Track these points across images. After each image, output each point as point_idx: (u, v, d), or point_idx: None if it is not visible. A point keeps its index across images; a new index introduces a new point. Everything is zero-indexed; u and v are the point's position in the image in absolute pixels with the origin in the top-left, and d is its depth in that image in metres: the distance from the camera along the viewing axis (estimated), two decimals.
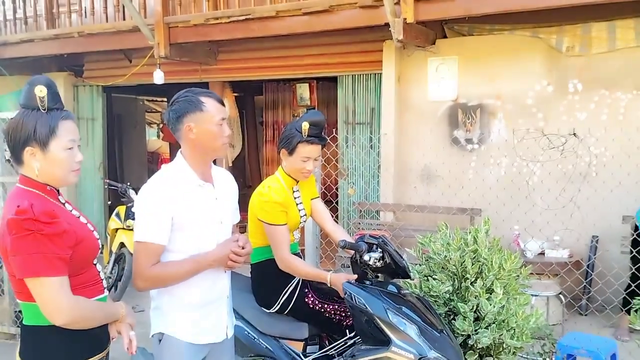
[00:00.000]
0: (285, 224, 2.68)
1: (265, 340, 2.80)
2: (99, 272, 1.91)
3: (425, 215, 5.40)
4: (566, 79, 5.22)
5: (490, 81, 5.52)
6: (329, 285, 2.64)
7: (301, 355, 2.80)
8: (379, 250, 2.59)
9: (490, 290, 2.77)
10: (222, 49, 6.99)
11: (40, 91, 1.73)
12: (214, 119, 2.10)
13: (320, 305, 2.77)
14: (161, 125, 12.58)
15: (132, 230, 5.41)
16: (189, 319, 2.12)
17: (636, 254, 4.17)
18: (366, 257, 2.57)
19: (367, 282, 2.59)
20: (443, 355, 2.36)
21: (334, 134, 5.13)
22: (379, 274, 2.65)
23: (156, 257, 2.04)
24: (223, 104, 2.19)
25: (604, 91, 5.08)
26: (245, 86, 9.00)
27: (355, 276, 2.60)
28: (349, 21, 5.37)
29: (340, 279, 2.59)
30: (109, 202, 8.09)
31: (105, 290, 1.93)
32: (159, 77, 6.48)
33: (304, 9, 5.45)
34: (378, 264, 2.58)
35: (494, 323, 2.71)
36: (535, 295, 4.17)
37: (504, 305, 2.73)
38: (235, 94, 8.35)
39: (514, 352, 2.80)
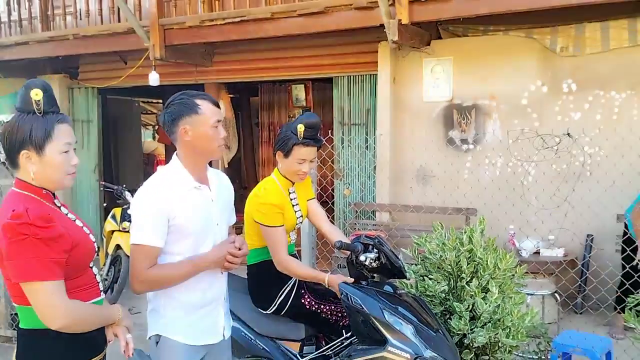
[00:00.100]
0: (282, 226, 2.69)
1: (262, 341, 2.81)
2: (95, 275, 1.90)
3: (420, 216, 5.42)
4: (560, 79, 5.25)
5: (484, 82, 5.55)
6: (326, 286, 2.65)
7: (298, 355, 2.81)
8: (375, 250, 2.60)
9: (485, 290, 2.79)
10: (217, 51, 7.00)
11: (36, 94, 1.73)
12: (210, 122, 2.10)
13: (316, 306, 2.78)
14: (157, 127, 12.56)
15: (128, 232, 5.42)
16: (186, 321, 2.12)
17: (630, 253, 4.20)
18: (362, 258, 2.58)
19: (363, 283, 2.60)
20: (439, 355, 2.38)
21: (330, 135, 5.14)
22: (375, 274, 2.66)
23: (153, 260, 2.05)
24: (218, 106, 2.19)
25: (598, 91, 5.11)
26: (240, 87, 9.01)
27: (353, 280, 2.61)
28: (344, 22, 5.38)
29: (337, 280, 2.60)
30: (105, 204, 8.08)
31: (102, 293, 1.93)
32: (154, 79, 6.47)
33: (299, 10, 5.46)
34: (374, 265, 2.59)
35: (489, 322, 2.73)
36: (531, 294, 4.19)
37: (499, 304, 2.75)
38: (231, 95, 8.35)
39: (509, 351, 2.82)
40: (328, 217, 3.06)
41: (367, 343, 2.47)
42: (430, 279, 2.91)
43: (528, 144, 5.36)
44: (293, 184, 2.84)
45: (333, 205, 6.32)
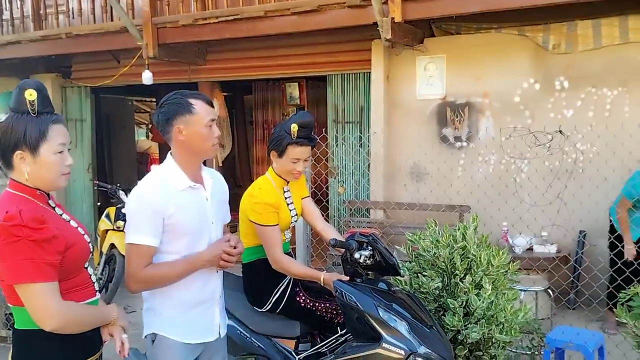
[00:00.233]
0: (277, 225, 2.69)
1: (257, 338, 2.82)
2: (90, 275, 1.90)
3: (414, 213, 5.44)
4: (553, 76, 5.28)
5: (477, 79, 5.57)
6: (322, 284, 2.66)
7: (293, 353, 2.82)
8: (369, 248, 2.62)
9: (479, 286, 2.81)
10: (211, 49, 6.99)
11: (30, 95, 1.72)
12: (204, 121, 2.11)
13: (311, 304, 2.79)
14: (150, 126, 12.52)
15: (122, 231, 5.41)
16: (182, 319, 2.13)
17: (621, 248, 4.24)
18: (357, 255, 2.59)
19: (358, 280, 2.62)
20: (433, 351, 2.39)
21: (324, 133, 5.15)
22: (370, 272, 2.68)
23: (148, 259, 2.05)
24: (212, 105, 2.20)
25: (590, 88, 5.14)
26: (234, 85, 8.99)
27: (348, 278, 2.62)
28: (338, 21, 5.39)
29: (332, 278, 2.62)
30: (99, 204, 8.07)
31: (97, 293, 1.93)
32: (147, 78, 6.46)
33: (292, 9, 5.46)
34: (368, 262, 2.60)
35: (483, 318, 2.75)
36: (524, 290, 4.22)
37: (492, 301, 2.77)
38: (225, 94, 8.34)
39: (503, 347, 2.84)
40: (322, 215, 3.07)
41: (361, 340, 2.48)
42: (424, 275, 2.92)
43: (521, 142, 5.39)
44: (288, 182, 2.84)
45: (327, 203, 6.33)
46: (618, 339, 3.84)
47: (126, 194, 5.61)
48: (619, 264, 4.03)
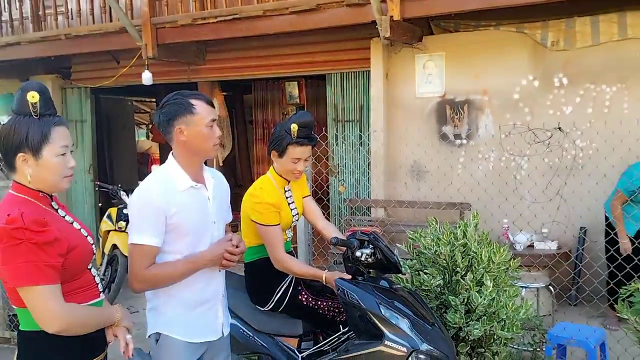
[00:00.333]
0: (278, 224, 2.71)
1: (260, 337, 2.83)
2: (94, 276, 1.90)
3: (415, 211, 5.45)
4: (551, 73, 5.29)
5: (476, 77, 5.58)
6: (324, 283, 2.67)
7: (296, 351, 2.83)
8: (371, 246, 2.62)
9: (480, 283, 2.82)
10: (210, 49, 6.99)
11: (33, 97, 1.72)
12: (204, 121, 2.12)
13: (313, 302, 2.81)
14: (150, 126, 12.53)
15: (124, 231, 5.43)
16: (186, 318, 2.15)
17: (615, 243, 4.26)
18: (358, 254, 2.60)
19: (360, 278, 2.62)
20: (435, 348, 2.40)
21: (324, 132, 5.16)
22: (371, 270, 2.69)
23: (151, 259, 2.07)
24: (213, 106, 2.21)
25: (589, 85, 5.15)
26: (234, 85, 9.00)
27: (350, 276, 2.63)
28: (336, 19, 5.39)
29: (334, 276, 2.62)
30: (100, 205, 8.08)
31: (101, 294, 1.93)
32: (147, 78, 6.47)
33: (291, 8, 5.46)
34: (370, 260, 2.61)
35: (484, 315, 2.76)
36: (525, 287, 4.23)
37: (494, 298, 2.78)
38: (224, 93, 8.34)
39: (505, 343, 2.85)
40: (323, 214, 3.08)
41: (364, 338, 2.49)
42: (425, 273, 2.93)
43: (520, 139, 5.40)
44: (289, 182, 2.85)
45: (328, 202, 6.34)
46: (619, 334, 3.85)
47: (127, 195, 5.62)
48: (620, 260, 4.04)
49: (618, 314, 3.05)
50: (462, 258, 2.88)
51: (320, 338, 2.88)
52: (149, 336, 2.18)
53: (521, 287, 3.86)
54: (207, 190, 2.21)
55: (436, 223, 3.14)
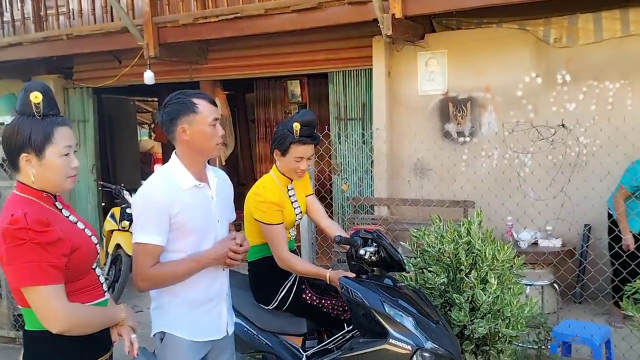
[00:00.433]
0: (282, 223, 2.70)
1: (264, 336, 2.83)
2: (99, 276, 1.90)
3: (418, 209, 5.44)
4: (554, 70, 5.27)
5: (479, 74, 5.57)
6: (328, 282, 2.67)
7: (300, 350, 2.83)
8: (374, 244, 2.62)
9: (484, 281, 2.82)
10: (212, 48, 6.99)
11: (36, 97, 1.72)
12: (207, 120, 2.12)
13: (317, 301, 2.80)
14: (153, 126, 12.54)
15: (127, 231, 5.43)
16: (190, 317, 2.15)
17: (619, 240, 4.24)
18: (362, 252, 2.59)
19: (363, 276, 2.62)
20: (440, 346, 2.40)
21: (326, 130, 5.15)
22: (375, 268, 2.68)
23: (155, 258, 2.07)
24: (215, 105, 2.21)
25: (592, 81, 5.13)
26: (236, 84, 9.00)
27: (354, 275, 2.63)
28: (338, 18, 5.39)
29: (338, 275, 2.62)
30: (103, 204, 8.09)
31: (106, 293, 1.93)
32: (149, 78, 6.47)
33: (292, 6, 5.46)
34: (373, 258, 2.61)
35: (489, 313, 2.76)
36: (530, 285, 4.23)
37: (498, 295, 2.77)
38: (226, 92, 8.34)
39: (509, 341, 2.84)
40: (327, 213, 3.08)
41: (368, 336, 2.49)
42: (429, 271, 2.93)
43: (523, 136, 5.39)
44: (291, 180, 2.85)
45: (331, 201, 6.34)
46: (625, 331, 3.84)
47: (130, 194, 5.63)
48: (624, 257, 4.03)
49: (623, 311, 3.05)
50: (466, 256, 2.87)
51: (325, 336, 2.88)
52: (154, 335, 2.18)
53: (526, 284, 3.86)
54: (211, 189, 2.21)
55: (440, 221, 3.13)
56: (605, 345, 3.55)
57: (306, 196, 2.99)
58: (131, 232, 2.01)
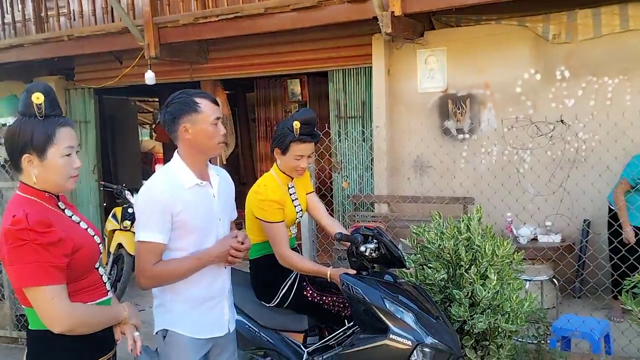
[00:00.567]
0: (283, 221, 2.72)
1: (266, 333, 2.85)
2: (102, 275, 1.92)
3: (418, 206, 5.46)
4: (553, 66, 5.28)
5: (478, 71, 5.58)
6: (329, 280, 2.68)
7: (302, 346, 2.86)
8: (375, 241, 2.64)
9: (484, 277, 2.84)
10: (212, 48, 7.01)
11: (37, 98, 1.73)
12: (209, 119, 2.14)
13: (318, 298, 2.83)
14: (154, 126, 12.56)
15: (129, 231, 5.46)
16: (192, 315, 2.17)
17: (618, 234, 4.26)
18: (362, 249, 2.61)
19: (364, 273, 2.64)
20: (440, 341, 2.42)
21: (327, 128, 5.17)
22: (375, 265, 2.70)
23: (158, 256, 2.09)
24: (217, 104, 2.23)
25: (591, 77, 5.14)
26: (236, 83, 9.01)
27: (354, 272, 2.65)
28: (338, 16, 5.40)
29: (339, 272, 2.64)
30: (105, 204, 8.12)
31: (109, 292, 1.94)
32: (150, 78, 6.48)
33: (292, 5, 5.47)
34: (374, 255, 2.62)
35: (489, 308, 2.78)
36: (529, 280, 4.24)
37: (498, 291, 2.79)
38: (227, 92, 8.36)
39: (509, 336, 2.86)
40: (327, 210, 3.10)
41: (369, 332, 2.51)
42: (429, 267, 2.95)
43: (523, 132, 5.41)
44: (292, 179, 2.87)
45: (332, 198, 6.35)
46: (624, 326, 3.86)
47: (132, 194, 5.65)
48: (623, 252, 4.05)
49: (622, 306, 3.07)
50: (466, 252, 2.89)
51: (326, 333, 2.90)
52: (156, 333, 2.21)
53: (525, 280, 3.87)
54: (213, 187, 2.23)
55: (439, 217, 3.15)
56: (604, 340, 3.57)
57: (307, 194, 3.01)
58: (133, 232, 2.03)
